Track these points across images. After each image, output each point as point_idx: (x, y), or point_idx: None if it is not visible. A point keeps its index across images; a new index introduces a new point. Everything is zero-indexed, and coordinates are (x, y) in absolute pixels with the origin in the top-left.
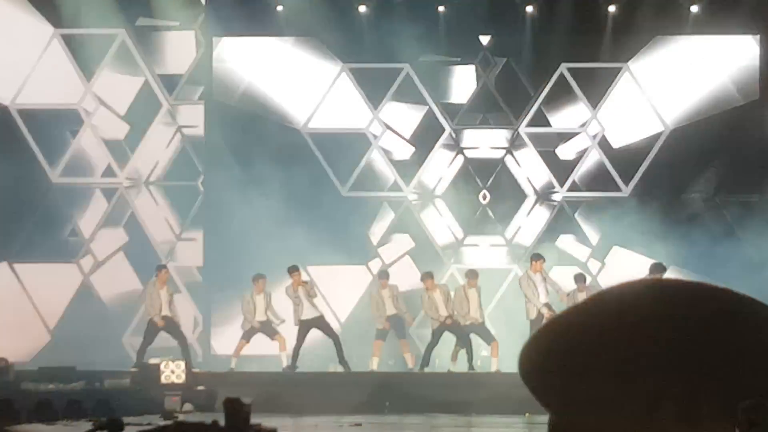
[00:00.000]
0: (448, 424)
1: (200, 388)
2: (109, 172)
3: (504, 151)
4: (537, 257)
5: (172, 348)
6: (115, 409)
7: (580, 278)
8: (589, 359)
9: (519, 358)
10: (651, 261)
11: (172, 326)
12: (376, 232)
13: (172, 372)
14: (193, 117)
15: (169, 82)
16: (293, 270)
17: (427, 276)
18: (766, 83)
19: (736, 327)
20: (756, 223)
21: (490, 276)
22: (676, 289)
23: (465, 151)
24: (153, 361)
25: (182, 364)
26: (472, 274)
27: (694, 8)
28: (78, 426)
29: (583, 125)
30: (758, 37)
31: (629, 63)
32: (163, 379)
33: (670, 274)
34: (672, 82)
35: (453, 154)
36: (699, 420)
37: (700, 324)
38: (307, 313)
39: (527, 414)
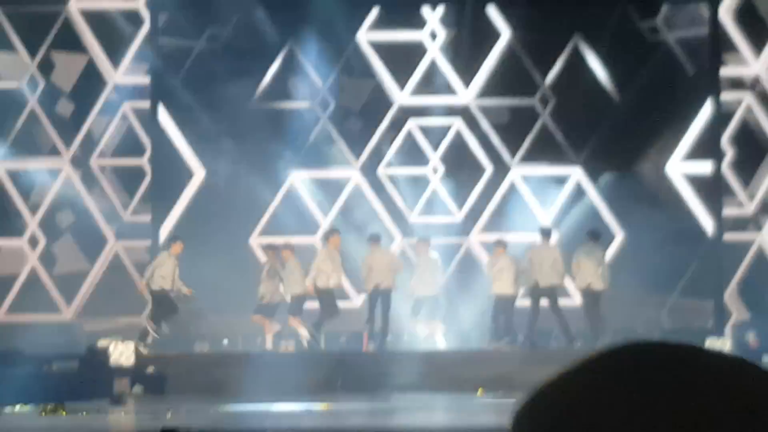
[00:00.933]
0: (400, 407)
1: (150, 370)
2: (54, 151)
3: (455, 124)
4: (545, 232)
5: (119, 329)
6: (63, 393)
7: (545, 232)
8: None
9: (513, 421)
10: (602, 231)
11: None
12: (326, 206)
13: (121, 354)
14: (140, 93)
15: (115, 59)
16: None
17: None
18: (715, 51)
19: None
20: (706, 191)
21: (442, 250)
22: (684, 355)
23: (415, 124)
24: (101, 343)
25: (131, 345)
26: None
27: None
28: (27, 414)
29: (533, 96)
30: (707, 4)
31: (579, 33)
32: (111, 362)
33: (618, 247)
34: (623, 51)
35: (402, 127)
36: None
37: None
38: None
39: (480, 390)
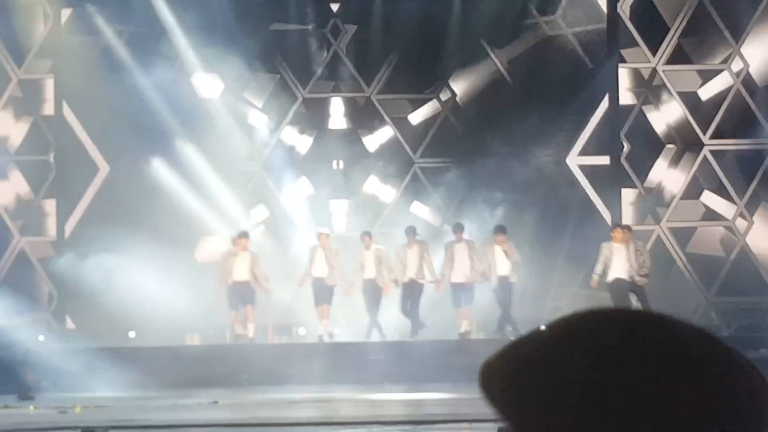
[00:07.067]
0: (305, 399)
1: (58, 364)
2: None
3: (356, 118)
4: (620, 226)
5: (25, 324)
6: None
7: (458, 228)
8: (557, 382)
9: (483, 372)
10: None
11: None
12: (233, 200)
13: (29, 349)
14: (44, 90)
15: (18, 55)
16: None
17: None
18: (614, 46)
19: (696, 363)
20: (605, 184)
21: (344, 241)
22: (652, 319)
23: (317, 119)
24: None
25: (40, 339)
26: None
27: None
28: None
29: (434, 90)
30: None
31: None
32: (19, 357)
33: (522, 239)
34: (522, 46)
35: (306, 122)
36: None
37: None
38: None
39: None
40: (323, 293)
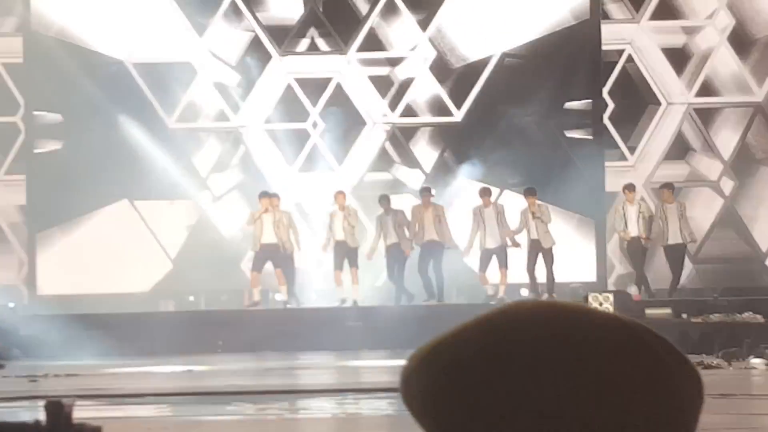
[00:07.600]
0: (281, 366)
1: (28, 332)
2: None
3: (334, 77)
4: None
5: None
6: None
7: (485, 192)
8: (482, 388)
9: (402, 378)
10: (480, 186)
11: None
12: (205, 163)
13: None
14: (11, 50)
15: None
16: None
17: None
18: (596, 2)
19: (635, 360)
20: (588, 144)
21: (323, 205)
22: (572, 316)
23: (294, 77)
24: None
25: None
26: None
27: None
28: None
29: (413, 49)
30: None
31: None
32: None
33: (503, 197)
34: (503, 3)
35: (281, 80)
36: None
37: (599, 355)
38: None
39: None
40: (345, 257)
